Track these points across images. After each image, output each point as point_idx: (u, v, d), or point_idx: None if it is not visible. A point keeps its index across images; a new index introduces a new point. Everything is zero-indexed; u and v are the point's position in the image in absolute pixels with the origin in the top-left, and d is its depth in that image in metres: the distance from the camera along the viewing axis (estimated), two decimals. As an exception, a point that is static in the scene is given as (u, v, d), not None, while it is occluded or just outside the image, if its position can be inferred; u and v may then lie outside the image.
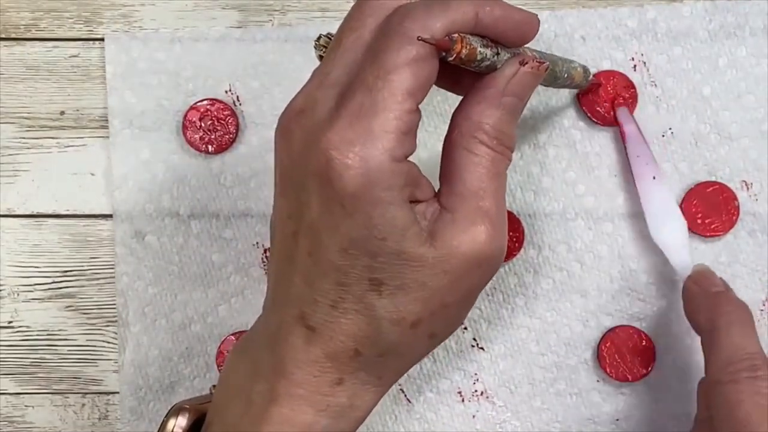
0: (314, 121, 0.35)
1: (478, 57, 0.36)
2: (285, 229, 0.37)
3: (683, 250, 0.48)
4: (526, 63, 0.38)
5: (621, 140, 0.49)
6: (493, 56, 0.37)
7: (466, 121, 0.37)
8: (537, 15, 0.38)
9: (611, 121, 0.50)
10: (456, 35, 0.35)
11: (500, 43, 0.38)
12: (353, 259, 0.35)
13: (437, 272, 0.36)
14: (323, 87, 0.36)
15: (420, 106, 0.50)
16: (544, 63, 0.39)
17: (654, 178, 0.48)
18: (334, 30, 0.38)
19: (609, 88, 0.50)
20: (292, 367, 0.37)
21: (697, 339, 0.44)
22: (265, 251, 0.51)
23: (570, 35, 0.50)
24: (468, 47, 0.36)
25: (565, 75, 0.44)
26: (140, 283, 0.51)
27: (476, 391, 0.51)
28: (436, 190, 0.38)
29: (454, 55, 0.35)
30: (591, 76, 0.48)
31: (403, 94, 0.35)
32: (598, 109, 0.50)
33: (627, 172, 0.50)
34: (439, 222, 0.36)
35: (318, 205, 0.35)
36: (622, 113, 0.49)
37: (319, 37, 0.40)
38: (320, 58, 0.39)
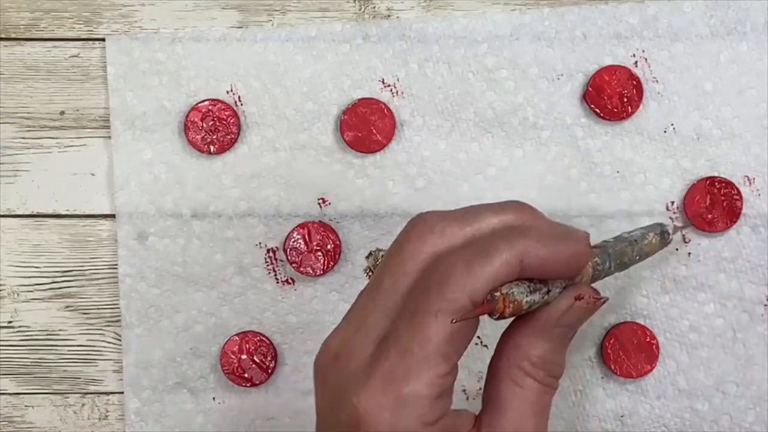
0: (348, 371, 0.35)
1: (525, 307, 0.35)
2: None
3: None
4: (582, 298, 0.37)
5: None
6: (542, 298, 0.35)
7: (514, 350, 0.37)
8: (586, 236, 0.37)
9: (618, 116, 0.50)
10: (498, 294, 0.34)
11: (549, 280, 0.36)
12: None
13: None
14: (359, 333, 0.36)
15: (422, 105, 0.51)
16: (600, 298, 0.37)
17: None
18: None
19: (614, 83, 0.50)
20: None
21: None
22: (267, 251, 0.51)
23: (571, 32, 0.50)
24: (512, 305, 0.34)
25: (637, 258, 0.42)
26: (143, 284, 0.51)
27: (481, 389, 0.51)
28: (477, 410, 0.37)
29: (498, 315, 0.34)
30: (670, 236, 0.46)
31: (438, 358, 0.34)
32: (604, 104, 0.50)
33: (628, 168, 0.50)
34: None
35: None
36: None
37: (370, 254, 0.38)
38: (368, 274, 0.38)
